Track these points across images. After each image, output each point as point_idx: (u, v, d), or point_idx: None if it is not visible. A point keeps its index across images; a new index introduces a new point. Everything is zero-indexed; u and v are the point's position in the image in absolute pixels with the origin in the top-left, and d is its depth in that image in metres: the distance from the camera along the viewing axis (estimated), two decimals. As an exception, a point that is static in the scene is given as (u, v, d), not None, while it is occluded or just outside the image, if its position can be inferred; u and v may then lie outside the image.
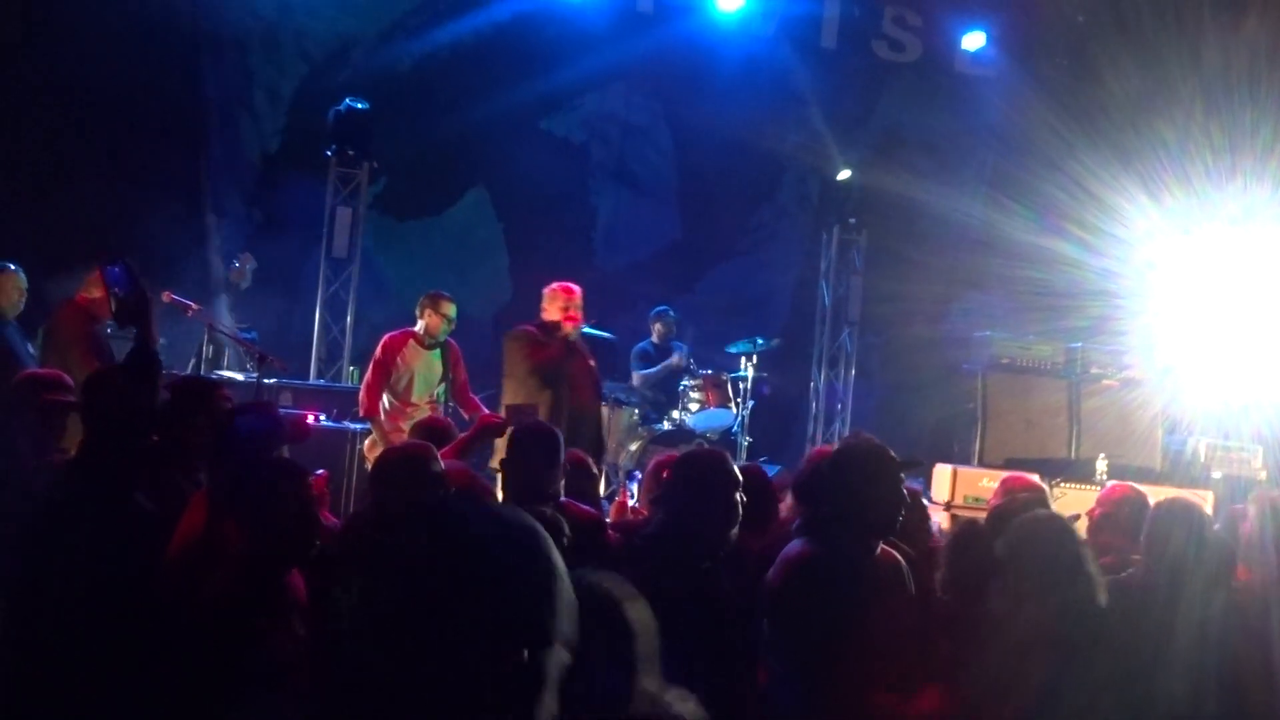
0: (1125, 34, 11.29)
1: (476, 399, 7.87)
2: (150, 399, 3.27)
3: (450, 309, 7.74)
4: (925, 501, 5.80)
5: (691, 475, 3.75)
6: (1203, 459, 8.50)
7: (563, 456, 4.55)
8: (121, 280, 3.34)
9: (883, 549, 3.73)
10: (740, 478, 3.73)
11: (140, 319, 3.31)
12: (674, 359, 10.40)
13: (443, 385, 7.81)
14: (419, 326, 7.74)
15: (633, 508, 6.08)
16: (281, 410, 7.22)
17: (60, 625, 2.93)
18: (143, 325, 3.31)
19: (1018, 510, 4.19)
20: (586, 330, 10.34)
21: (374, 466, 4.09)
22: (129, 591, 2.92)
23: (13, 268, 7.23)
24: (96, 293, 7.04)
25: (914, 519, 4.24)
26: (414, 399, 7.67)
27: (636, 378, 10.45)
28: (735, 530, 3.66)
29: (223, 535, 2.94)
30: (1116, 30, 11.48)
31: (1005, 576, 3.76)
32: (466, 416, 7.58)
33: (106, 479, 3.19)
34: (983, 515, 5.67)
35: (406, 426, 6.96)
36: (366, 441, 7.63)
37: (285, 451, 3.70)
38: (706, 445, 9.56)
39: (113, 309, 3.36)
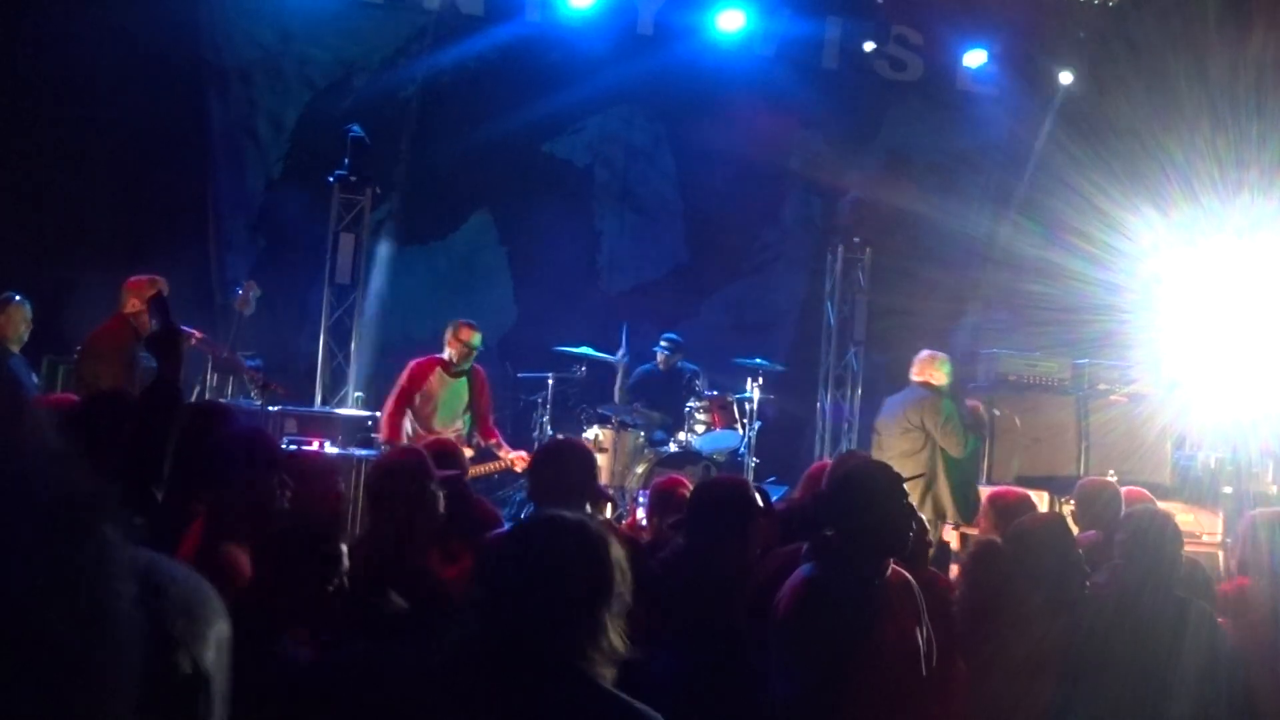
0: (1130, 48, 11.28)
1: (495, 428, 7.83)
2: (163, 432, 3.26)
3: (471, 336, 7.71)
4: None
5: (708, 502, 3.78)
6: (1213, 474, 8.45)
7: (595, 471, 4.55)
8: (157, 314, 3.46)
9: (891, 568, 3.71)
10: (761, 505, 3.74)
11: (166, 352, 3.35)
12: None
13: (468, 414, 7.74)
14: (446, 354, 7.70)
15: (640, 528, 6.08)
16: (286, 439, 7.23)
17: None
18: (165, 360, 3.34)
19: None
20: (589, 353, 10.38)
21: (365, 485, 4.04)
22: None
23: (18, 299, 7.22)
24: (134, 306, 7.05)
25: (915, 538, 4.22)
26: (437, 426, 7.59)
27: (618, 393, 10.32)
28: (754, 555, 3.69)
29: (217, 563, 2.91)
30: (1121, 44, 11.47)
31: (1014, 582, 3.78)
32: (484, 445, 7.54)
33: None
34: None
35: (429, 453, 6.92)
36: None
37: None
38: (715, 466, 9.57)
39: (149, 334, 3.48)
